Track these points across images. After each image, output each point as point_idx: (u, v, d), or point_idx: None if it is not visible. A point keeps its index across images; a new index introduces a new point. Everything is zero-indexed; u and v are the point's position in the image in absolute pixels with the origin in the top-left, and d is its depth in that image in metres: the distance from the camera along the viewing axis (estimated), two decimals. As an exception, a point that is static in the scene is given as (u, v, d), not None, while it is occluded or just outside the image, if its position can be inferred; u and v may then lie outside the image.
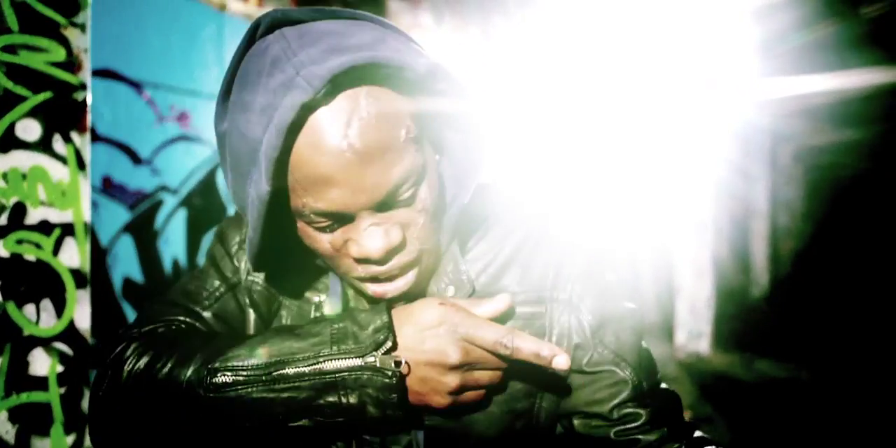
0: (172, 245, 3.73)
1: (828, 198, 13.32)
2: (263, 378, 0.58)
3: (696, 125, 6.19)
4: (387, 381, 0.57)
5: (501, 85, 6.54)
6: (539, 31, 6.76)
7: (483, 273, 0.69)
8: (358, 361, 0.57)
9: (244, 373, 0.58)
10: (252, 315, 0.73)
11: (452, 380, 0.59)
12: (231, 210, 4.08)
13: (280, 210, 0.60)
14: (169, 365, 0.61)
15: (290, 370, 0.58)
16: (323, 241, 0.59)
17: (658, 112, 7.11)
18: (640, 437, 0.63)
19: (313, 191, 0.54)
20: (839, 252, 13.07)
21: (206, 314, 0.71)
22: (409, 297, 0.65)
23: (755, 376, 5.73)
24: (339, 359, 0.57)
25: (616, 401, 0.65)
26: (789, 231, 12.67)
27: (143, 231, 3.60)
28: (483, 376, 0.61)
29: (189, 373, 0.59)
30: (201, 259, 3.90)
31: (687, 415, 4.43)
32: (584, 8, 6.53)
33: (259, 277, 0.74)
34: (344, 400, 0.58)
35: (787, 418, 4.38)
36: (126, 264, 3.54)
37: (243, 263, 0.74)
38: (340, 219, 0.57)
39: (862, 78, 6.85)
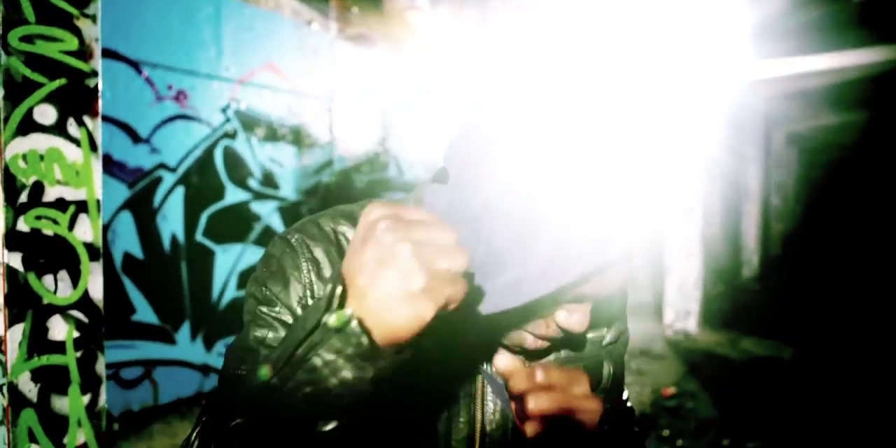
0: (171, 221, 3.82)
1: (820, 180, 13.39)
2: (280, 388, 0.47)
3: (689, 107, 6.24)
4: (351, 339, 0.44)
5: (496, 68, 6.56)
6: (534, 15, 6.76)
7: None
8: (319, 332, 0.45)
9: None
10: None
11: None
12: (230, 187, 4.16)
13: None
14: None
15: (275, 380, 0.47)
16: None
17: (652, 94, 7.12)
18: None
19: None
20: (830, 234, 13.18)
21: None
22: None
23: (740, 354, 5.87)
24: (303, 335, 0.46)
25: None
26: (781, 213, 12.75)
27: (142, 208, 3.69)
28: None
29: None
30: (198, 236, 3.99)
31: (672, 390, 4.52)
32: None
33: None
34: (341, 376, 0.45)
35: (769, 395, 4.52)
36: (126, 240, 3.62)
37: (314, 281, 0.65)
38: None
39: (855, 59, 6.87)
